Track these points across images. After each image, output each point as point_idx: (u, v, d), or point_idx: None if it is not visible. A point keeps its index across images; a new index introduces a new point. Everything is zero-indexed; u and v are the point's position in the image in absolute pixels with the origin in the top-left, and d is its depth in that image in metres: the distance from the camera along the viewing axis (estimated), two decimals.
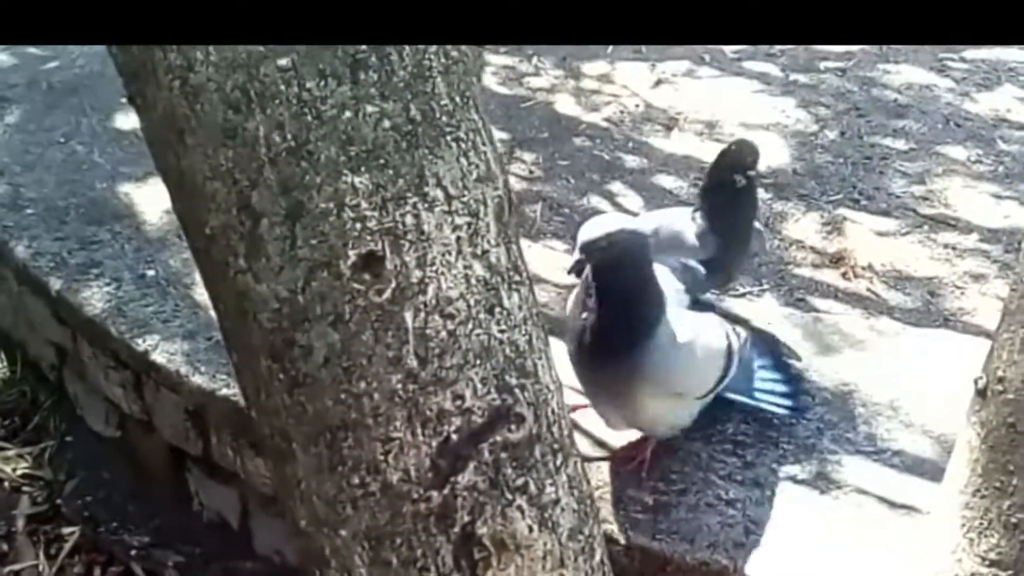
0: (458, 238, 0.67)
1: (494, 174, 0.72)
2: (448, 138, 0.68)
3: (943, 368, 1.78)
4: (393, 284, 0.67)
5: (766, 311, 2.22)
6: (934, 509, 1.04)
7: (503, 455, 0.70)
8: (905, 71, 3.96)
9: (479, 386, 0.70)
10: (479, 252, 0.68)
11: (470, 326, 0.68)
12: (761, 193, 3.23)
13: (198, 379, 1.64)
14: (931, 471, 1.45)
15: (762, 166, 3.40)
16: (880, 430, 1.54)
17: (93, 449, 2.13)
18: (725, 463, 1.52)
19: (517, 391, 0.71)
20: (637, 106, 3.77)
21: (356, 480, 0.73)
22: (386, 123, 0.66)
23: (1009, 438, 0.90)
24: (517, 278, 0.73)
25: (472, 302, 0.68)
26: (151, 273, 1.88)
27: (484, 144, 0.71)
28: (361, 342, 0.69)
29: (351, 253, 0.67)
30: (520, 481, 0.72)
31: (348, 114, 0.66)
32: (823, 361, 1.78)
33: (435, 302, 0.67)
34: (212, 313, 1.85)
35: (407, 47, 0.66)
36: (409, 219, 0.67)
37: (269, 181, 0.67)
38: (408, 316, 0.68)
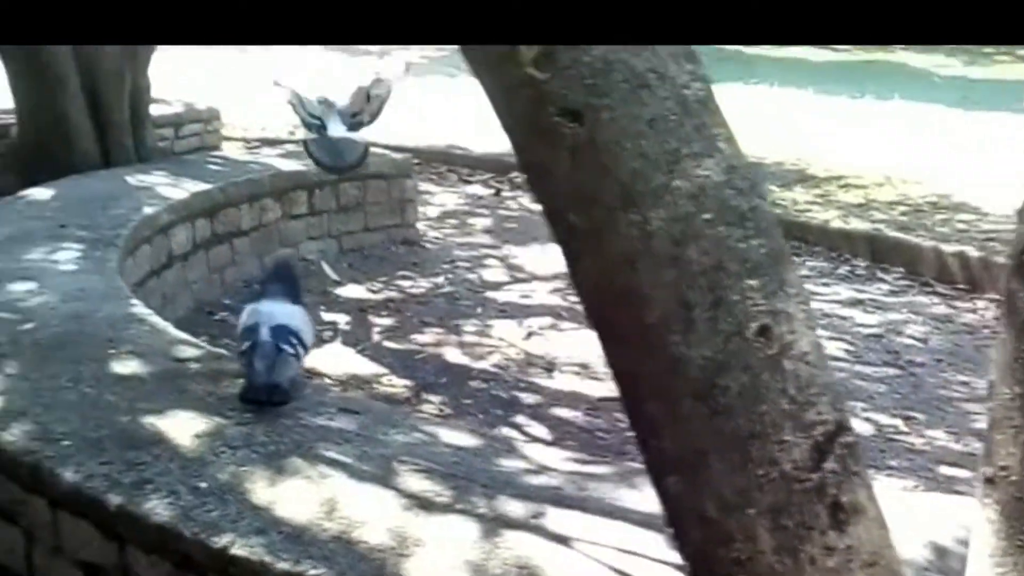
0: (802, 317, 1.05)
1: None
2: (787, 262, 1.09)
3: None
4: (778, 344, 1.03)
5: None
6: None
7: (846, 450, 1.05)
8: None
9: (828, 407, 1.05)
10: (811, 326, 1.07)
11: (818, 370, 1.05)
12: None
13: (282, 565, 1.80)
14: None
15: None
16: None
17: None
18: None
19: (844, 411, 1.07)
20: (517, 354, 4.20)
21: (761, 472, 1.03)
22: (762, 250, 1.05)
23: (1020, 508, 1.28)
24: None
25: (816, 355, 1.05)
26: (203, 485, 2.02)
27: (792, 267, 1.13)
28: (761, 380, 1.04)
29: (752, 325, 1.03)
30: (856, 467, 1.06)
31: (743, 244, 1.05)
32: None
33: (800, 354, 1.04)
34: (278, 512, 2.02)
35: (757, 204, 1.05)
36: (780, 304, 1.05)
37: (700, 285, 1.03)
38: (787, 363, 1.04)
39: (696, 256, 1.05)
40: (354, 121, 4.23)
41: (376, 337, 4.30)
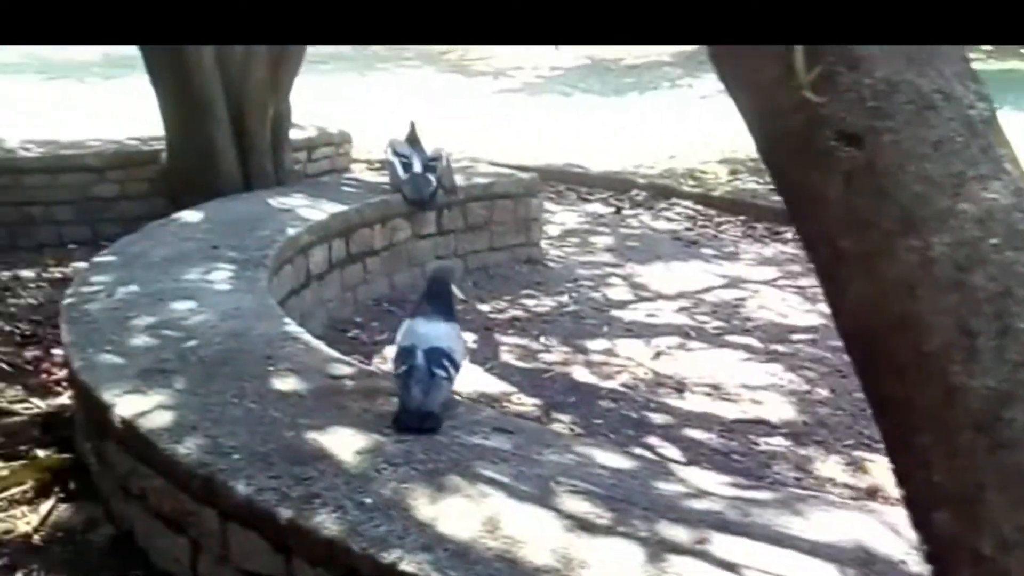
0: None
1: None
2: None
3: None
4: None
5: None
6: None
7: None
8: None
9: None
10: None
11: None
12: (781, 440, 3.63)
13: None
14: None
15: (774, 418, 3.82)
16: None
17: None
18: None
19: None
20: (646, 374, 4.18)
21: None
22: None
23: None
24: None
25: None
26: (368, 501, 2.09)
27: None
28: None
29: None
30: None
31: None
32: None
33: None
34: (441, 529, 2.07)
35: None
36: None
37: (985, 312, 1.03)
38: None
39: (982, 282, 1.03)
40: (429, 164, 4.98)
41: (503, 355, 4.35)
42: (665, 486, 2.09)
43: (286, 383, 2.65)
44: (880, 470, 3.30)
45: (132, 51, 15.61)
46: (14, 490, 2.97)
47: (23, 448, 3.24)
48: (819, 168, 1.10)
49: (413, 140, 5.05)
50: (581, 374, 4.16)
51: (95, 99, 11.28)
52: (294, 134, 5.73)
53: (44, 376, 3.91)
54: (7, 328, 4.40)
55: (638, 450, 3.48)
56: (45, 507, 2.90)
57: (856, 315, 1.10)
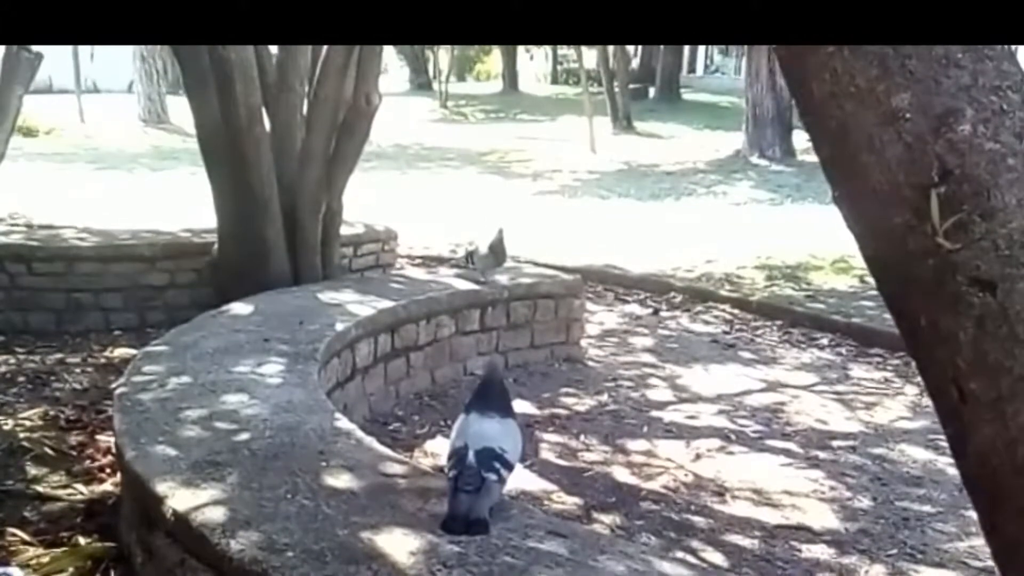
0: None
1: None
2: None
3: None
4: None
5: None
6: None
7: None
8: (907, 449, 4.48)
9: None
10: None
11: None
12: (824, 548, 3.55)
13: None
14: None
15: (816, 525, 3.74)
16: None
17: None
18: None
19: None
20: (686, 476, 4.11)
21: None
22: None
23: None
24: None
25: None
26: None
27: None
28: None
29: None
30: None
31: None
32: None
33: None
34: None
35: None
36: None
37: None
38: None
39: None
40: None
41: (543, 453, 4.31)
42: None
43: (339, 480, 2.63)
44: None
45: (179, 144, 15.95)
46: None
47: (65, 535, 3.20)
48: (950, 312, 1.09)
49: (496, 247, 5.20)
50: (622, 474, 4.11)
51: (143, 190, 11.51)
52: (342, 230, 5.80)
53: (88, 462, 3.89)
54: (52, 412, 4.41)
55: (679, 553, 3.41)
56: None
57: (981, 458, 1.08)
